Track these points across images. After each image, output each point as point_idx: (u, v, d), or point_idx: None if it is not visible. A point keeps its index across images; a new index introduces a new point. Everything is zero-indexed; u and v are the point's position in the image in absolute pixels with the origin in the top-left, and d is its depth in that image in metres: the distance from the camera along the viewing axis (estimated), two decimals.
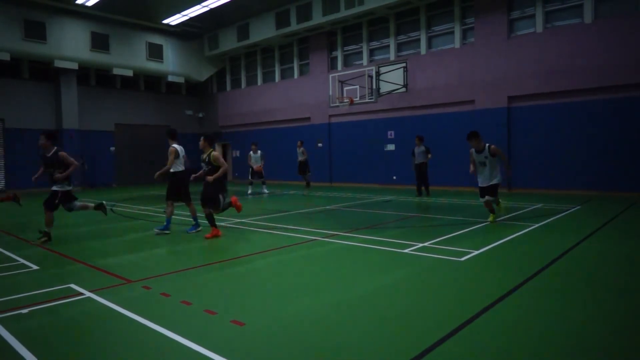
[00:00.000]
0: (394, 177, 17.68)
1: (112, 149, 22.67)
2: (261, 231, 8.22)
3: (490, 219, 8.47)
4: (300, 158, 17.87)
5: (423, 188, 14.04)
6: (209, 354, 3.10)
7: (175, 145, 8.19)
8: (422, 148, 13.69)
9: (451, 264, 5.52)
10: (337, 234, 7.67)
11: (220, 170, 7.47)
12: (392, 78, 15.93)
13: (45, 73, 20.68)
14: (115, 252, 6.73)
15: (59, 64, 19.48)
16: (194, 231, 8.11)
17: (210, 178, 7.42)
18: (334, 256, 6.22)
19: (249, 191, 16.47)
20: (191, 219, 8.50)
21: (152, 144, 24.28)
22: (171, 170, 8.11)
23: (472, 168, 8.51)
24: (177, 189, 8.21)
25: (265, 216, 10.17)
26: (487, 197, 8.30)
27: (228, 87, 25.22)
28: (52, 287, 4.81)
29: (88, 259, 6.11)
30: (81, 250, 6.83)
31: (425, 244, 6.65)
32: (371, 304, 4.17)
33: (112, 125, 22.85)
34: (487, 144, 8.17)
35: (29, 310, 4.08)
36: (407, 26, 17.68)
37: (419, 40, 17.23)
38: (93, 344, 3.43)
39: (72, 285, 4.82)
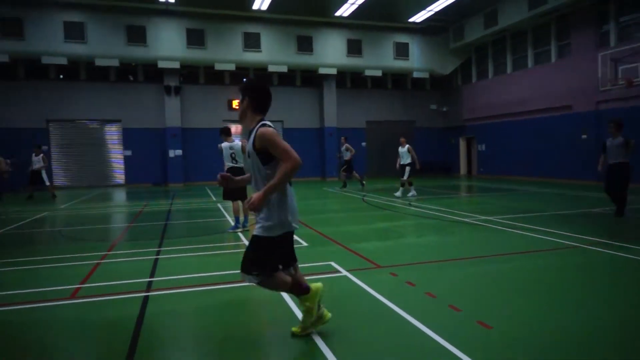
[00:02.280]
0: None
1: (364, 144, 24.92)
2: (509, 231, 7.66)
3: (294, 329, 3.46)
4: (345, 157, 16.44)
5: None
6: (451, 348, 3.09)
7: (223, 144, 8.25)
8: (620, 140, 8.54)
9: None
10: (601, 242, 6.49)
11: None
12: None
13: (311, 80, 24.27)
14: (367, 238, 7.39)
15: (322, 70, 22.55)
16: (231, 231, 8.10)
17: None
18: (596, 268, 5.30)
19: (410, 193, 13.43)
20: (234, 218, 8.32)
21: (398, 139, 25.62)
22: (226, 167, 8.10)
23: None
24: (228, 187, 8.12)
25: (513, 215, 9.43)
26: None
27: (473, 79, 24.31)
28: (318, 263, 5.65)
29: (345, 242, 6.91)
30: (339, 233, 7.77)
31: None
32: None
33: (363, 122, 25.11)
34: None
35: None
36: None
37: None
38: (349, 316, 3.86)
39: (332, 263, 5.54)
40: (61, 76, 21.04)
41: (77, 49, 19.04)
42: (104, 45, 19.34)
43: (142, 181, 21.80)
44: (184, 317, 3.97)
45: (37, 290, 4.77)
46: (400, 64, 23.70)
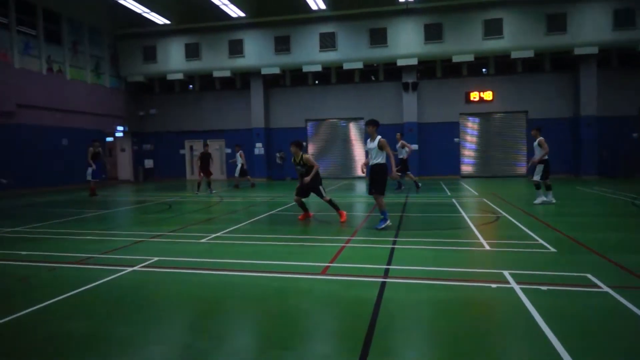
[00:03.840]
0: None
1: (635, 135, 20.41)
2: None
3: None
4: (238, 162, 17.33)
5: None
6: None
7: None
8: None
9: None
10: None
11: (314, 170, 8.70)
12: None
13: (563, 63, 21.21)
14: (635, 249, 6.06)
15: (578, 51, 19.44)
16: (383, 225, 7.83)
17: (307, 179, 8.64)
18: None
19: (542, 199, 10.89)
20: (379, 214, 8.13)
21: None
22: (379, 161, 7.78)
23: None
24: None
25: None
26: None
27: None
28: (568, 273, 4.94)
29: (604, 252, 5.82)
30: (597, 240, 6.58)
31: None
32: None
33: (635, 109, 20.55)
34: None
35: (547, 289, 4.36)
36: None
37: None
38: (609, 341, 3.25)
39: (589, 276, 4.74)
40: (316, 81, 24.28)
41: (330, 56, 21.60)
42: (351, 50, 21.36)
43: None
44: (418, 307, 4.07)
45: (295, 263, 5.65)
46: None
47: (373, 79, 23.72)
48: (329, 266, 5.43)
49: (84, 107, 21.30)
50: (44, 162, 18.67)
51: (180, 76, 23.34)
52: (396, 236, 7.27)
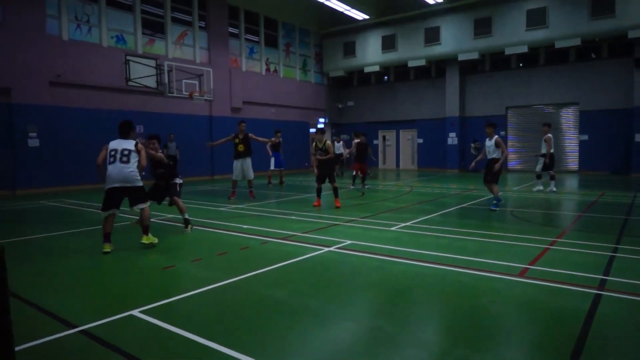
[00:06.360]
0: None
1: None
2: None
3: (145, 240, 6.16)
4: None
5: None
6: None
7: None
8: None
9: None
10: None
11: (329, 156, 10.04)
12: None
13: None
14: None
15: None
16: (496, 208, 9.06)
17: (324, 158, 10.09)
18: None
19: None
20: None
21: None
22: (494, 157, 9.07)
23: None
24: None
25: None
26: None
27: None
28: None
29: None
30: None
31: None
32: None
33: None
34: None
35: None
36: None
37: None
38: None
39: None
40: (520, 64, 21.99)
41: (538, 35, 19.25)
42: (565, 26, 18.61)
43: (598, 169, 19.83)
44: None
45: (489, 261, 5.26)
46: None
47: (593, 56, 20.25)
48: (528, 268, 4.91)
49: (294, 101, 23.98)
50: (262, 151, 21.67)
51: (376, 68, 24.11)
52: (617, 242, 6.10)
